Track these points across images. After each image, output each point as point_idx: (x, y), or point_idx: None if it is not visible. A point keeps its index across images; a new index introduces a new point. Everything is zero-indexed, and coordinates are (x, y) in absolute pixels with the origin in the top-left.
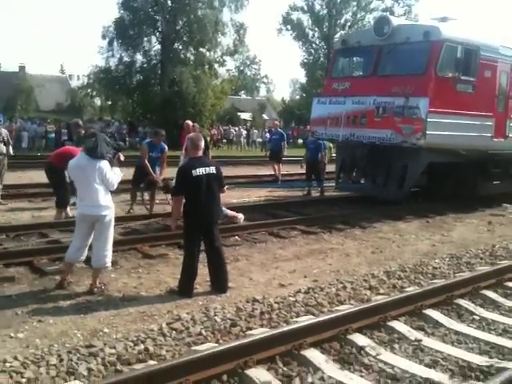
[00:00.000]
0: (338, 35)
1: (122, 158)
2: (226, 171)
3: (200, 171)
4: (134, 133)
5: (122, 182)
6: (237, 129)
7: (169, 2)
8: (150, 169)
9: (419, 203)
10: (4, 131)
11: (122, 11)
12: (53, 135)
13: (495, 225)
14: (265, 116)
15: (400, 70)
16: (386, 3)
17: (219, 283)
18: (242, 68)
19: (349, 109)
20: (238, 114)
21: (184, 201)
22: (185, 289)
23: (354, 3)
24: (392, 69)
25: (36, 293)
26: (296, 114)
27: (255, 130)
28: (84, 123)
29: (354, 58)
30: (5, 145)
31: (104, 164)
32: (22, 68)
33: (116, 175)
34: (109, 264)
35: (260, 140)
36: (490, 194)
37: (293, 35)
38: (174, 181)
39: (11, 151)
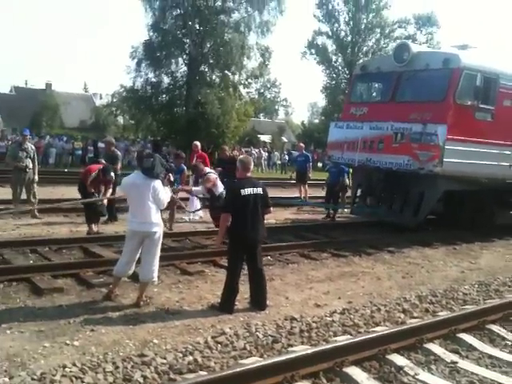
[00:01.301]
0: (360, 61)
1: (172, 179)
2: None
3: (248, 191)
4: (159, 152)
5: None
6: (257, 151)
7: (197, 26)
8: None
9: (445, 230)
10: (31, 146)
11: (151, 33)
12: (79, 152)
13: None
14: (284, 139)
15: (419, 96)
16: (408, 31)
17: (260, 301)
18: (262, 91)
19: (366, 134)
20: (258, 136)
21: (230, 219)
22: (226, 305)
23: (378, 30)
24: (410, 95)
25: (85, 304)
26: (315, 137)
27: (276, 153)
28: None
29: (373, 84)
30: (31, 160)
31: (158, 183)
32: (48, 85)
33: (166, 194)
34: (155, 279)
35: (279, 162)
36: (507, 223)
37: (316, 59)
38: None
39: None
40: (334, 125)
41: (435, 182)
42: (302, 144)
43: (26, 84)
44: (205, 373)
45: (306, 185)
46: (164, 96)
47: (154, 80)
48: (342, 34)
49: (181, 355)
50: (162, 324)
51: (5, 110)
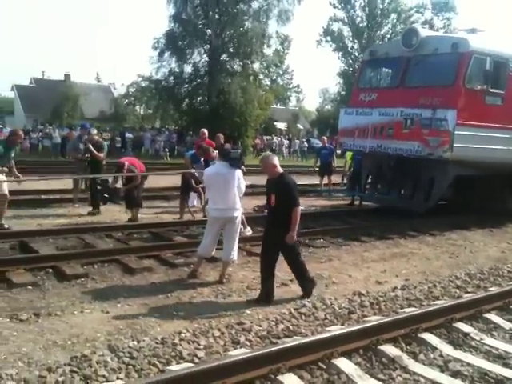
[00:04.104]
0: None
1: (245, 170)
2: None
3: None
4: (183, 142)
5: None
6: (279, 139)
7: (217, 16)
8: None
9: (481, 215)
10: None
11: (172, 24)
12: (107, 142)
13: None
14: (299, 125)
15: (428, 81)
16: (425, 16)
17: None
18: (274, 77)
19: (376, 120)
20: (274, 123)
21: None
22: (308, 281)
23: (394, 15)
24: (420, 80)
25: (174, 281)
26: (330, 123)
27: (297, 140)
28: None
29: (382, 69)
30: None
31: (240, 173)
32: (67, 76)
33: (243, 183)
34: (235, 258)
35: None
36: None
37: (332, 46)
38: None
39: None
40: (344, 111)
41: (445, 167)
42: (324, 138)
43: (43, 75)
44: (299, 337)
45: (330, 176)
46: (186, 86)
47: (176, 70)
48: (358, 19)
49: (273, 323)
50: (247, 298)
51: (26, 101)
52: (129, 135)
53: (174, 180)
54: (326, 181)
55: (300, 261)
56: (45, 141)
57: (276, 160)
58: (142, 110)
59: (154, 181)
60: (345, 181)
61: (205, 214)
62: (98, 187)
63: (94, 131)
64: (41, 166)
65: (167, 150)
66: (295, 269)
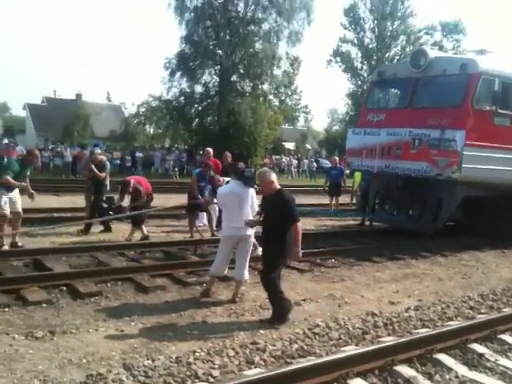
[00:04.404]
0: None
1: (258, 189)
2: None
3: None
4: (193, 161)
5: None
6: (288, 158)
7: (228, 37)
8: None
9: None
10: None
11: (183, 45)
12: (118, 161)
13: None
14: (307, 145)
15: (436, 102)
16: (434, 38)
17: None
18: (283, 98)
19: (383, 140)
20: (283, 143)
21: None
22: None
23: (403, 37)
24: (428, 101)
25: (187, 300)
26: (339, 143)
27: (305, 160)
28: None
29: (390, 90)
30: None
31: (254, 192)
32: (78, 96)
33: (257, 202)
34: (248, 277)
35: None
36: None
37: (342, 67)
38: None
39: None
40: (352, 131)
41: (454, 188)
42: (335, 158)
43: (55, 94)
44: (313, 357)
45: (338, 196)
46: (196, 105)
47: (187, 90)
48: (367, 41)
49: (287, 343)
50: (260, 317)
51: (37, 120)
52: (139, 154)
53: (183, 200)
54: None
55: (275, 283)
56: (56, 159)
57: (273, 176)
58: (151, 130)
59: (164, 201)
60: (354, 200)
61: (213, 233)
62: (104, 205)
63: (98, 151)
64: (53, 185)
65: (176, 169)
66: (268, 289)
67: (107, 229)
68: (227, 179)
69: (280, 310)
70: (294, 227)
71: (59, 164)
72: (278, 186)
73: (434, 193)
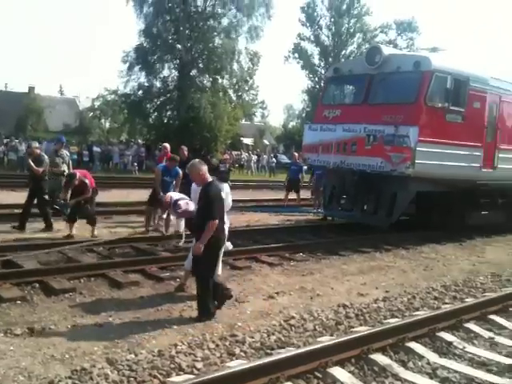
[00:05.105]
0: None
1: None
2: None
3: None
4: (151, 156)
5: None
6: (247, 154)
7: (187, 31)
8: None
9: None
10: (66, 153)
11: (142, 38)
12: (75, 157)
13: None
14: (265, 141)
15: (390, 98)
16: (389, 36)
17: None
18: (240, 93)
19: (339, 136)
20: (241, 138)
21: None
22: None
23: (360, 35)
24: (383, 97)
25: (162, 294)
26: (296, 139)
27: (265, 156)
28: (104, 144)
29: (346, 86)
30: (67, 166)
31: (228, 188)
32: (31, 89)
33: (231, 197)
34: (220, 272)
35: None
36: (478, 224)
37: (300, 63)
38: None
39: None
40: (308, 127)
41: (407, 183)
42: (296, 154)
43: (6, 87)
44: (292, 348)
45: (298, 192)
46: (155, 100)
47: (145, 84)
48: (324, 38)
49: (265, 335)
50: (237, 310)
51: None
52: (96, 149)
53: (144, 195)
54: (294, 196)
55: (206, 284)
56: (10, 154)
57: (204, 168)
58: (107, 124)
59: (124, 195)
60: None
61: (167, 230)
62: (47, 198)
63: (36, 144)
64: (9, 180)
65: (136, 164)
66: (198, 288)
67: (48, 226)
68: None
69: (204, 314)
70: (209, 224)
71: (13, 159)
72: (210, 179)
73: (387, 188)
